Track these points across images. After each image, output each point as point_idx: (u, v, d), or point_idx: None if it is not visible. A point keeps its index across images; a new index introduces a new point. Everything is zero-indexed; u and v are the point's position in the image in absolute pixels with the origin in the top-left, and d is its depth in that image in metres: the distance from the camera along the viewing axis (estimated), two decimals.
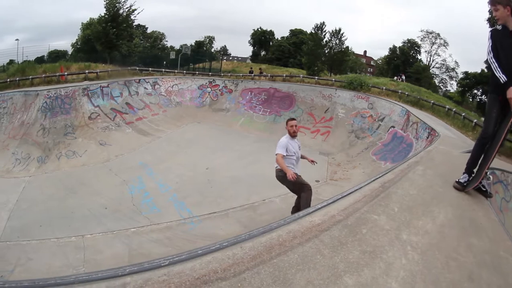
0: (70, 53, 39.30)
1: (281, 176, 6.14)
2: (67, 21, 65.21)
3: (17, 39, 34.47)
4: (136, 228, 7.81)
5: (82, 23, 40.97)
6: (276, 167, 6.27)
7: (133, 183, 10.99)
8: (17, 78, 19.86)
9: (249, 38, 61.81)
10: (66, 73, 20.15)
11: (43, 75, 20.08)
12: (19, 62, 30.18)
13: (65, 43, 67.52)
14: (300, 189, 6.26)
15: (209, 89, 21.96)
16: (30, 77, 19.77)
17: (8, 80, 19.83)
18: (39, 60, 33.72)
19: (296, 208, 6.53)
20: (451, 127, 13.86)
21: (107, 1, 29.38)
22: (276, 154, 6.10)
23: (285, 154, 6.10)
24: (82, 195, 10.29)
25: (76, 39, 41.69)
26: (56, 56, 36.27)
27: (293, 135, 6.38)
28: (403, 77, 34.96)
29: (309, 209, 3.11)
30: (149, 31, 52.72)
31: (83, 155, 13.21)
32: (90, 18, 37.76)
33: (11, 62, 30.48)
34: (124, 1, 29.61)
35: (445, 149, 7.27)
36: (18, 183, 11.11)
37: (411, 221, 3.08)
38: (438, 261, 2.53)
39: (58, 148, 12.99)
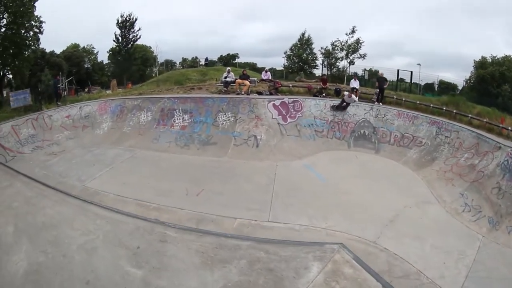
0: (460, 88, 37.73)
1: None
2: (454, 54, 62.60)
3: (419, 64, 34.46)
4: None
5: (474, 60, 39.42)
6: None
7: None
8: (454, 111, 18.55)
9: None
10: (510, 128, 16.66)
11: (485, 120, 17.63)
12: (409, 84, 30.95)
13: (452, 76, 68.83)
14: None
15: None
16: (469, 115, 17.98)
17: (444, 108, 18.94)
18: (428, 87, 34.40)
19: None
20: None
21: None
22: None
23: None
24: None
25: (470, 76, 39.98)
26: (446, 87, 35.61)
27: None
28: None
29: None
30: None
31: None
32: (482, 57, 37.58)
33: (402, 80, 31.35)
34: None
35: None
36: (471, 237, 9.71)
37: None
38: None
39: (509, 219, 10.33)
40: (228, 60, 47.32)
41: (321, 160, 14.58)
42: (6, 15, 27.77)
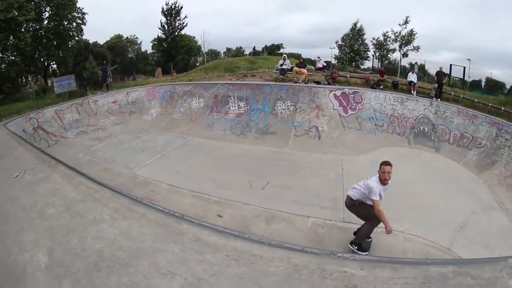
0: (508, 87, 33.66)
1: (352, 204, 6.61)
2: (502, 50, 60.16)
3: (468, 59, 31.86)
4: None
5: None
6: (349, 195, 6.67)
7: None
8: None
9: None
10: None
11: None
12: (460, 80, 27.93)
13: (500, 74, 66.65)
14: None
15: None
16: None
17: (503, 109, 16.83)
18: (475, 84, 31.27)
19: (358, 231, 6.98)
20: None
21: None
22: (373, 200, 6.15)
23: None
24: None
25: None
26: (493, 85, 32.79)
27: (384, 182, 6.22)
28: None
29: None
30: None
31: None
32: None
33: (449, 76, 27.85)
34: None
35: None
36: None
37: None
38: None
39: None
40: (272, 50, 46.57)
41: (385, 156, 12.93)
42: (48, 8, 28.11)
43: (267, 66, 22.21)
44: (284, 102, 14.99)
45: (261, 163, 11.51)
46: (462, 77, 27.89)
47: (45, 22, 28.47)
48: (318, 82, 17.76)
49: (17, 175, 6.88)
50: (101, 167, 10.80)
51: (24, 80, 35.26)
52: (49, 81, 29.37)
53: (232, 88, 15.92)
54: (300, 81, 17.25)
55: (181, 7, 36.74)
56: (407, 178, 11.31)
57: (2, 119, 16.56)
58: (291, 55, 39.15)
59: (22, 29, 24.55)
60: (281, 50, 46.71)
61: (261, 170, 10.83)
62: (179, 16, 36.91)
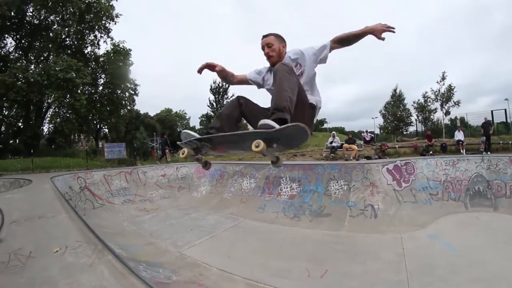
0: None
1: None
2: None
3: (506, 99, 31.46)
4: None
5: None
6: None
7: None
8: None
9: None
10: None
11: None
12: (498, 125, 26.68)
13: None
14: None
15: None
16: None
17: None
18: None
19: None
20: None
21: None
22: None
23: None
24: None
25: None
26: None
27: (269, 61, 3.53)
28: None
29: None
30: None
31: None
32: None
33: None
34: None
35: None
36: None
37: None
38: None
39: None
40: (316, 126, 47.21)
41: (444, 227, 12.44)
42: (104, 75, 31.09)
43: (315, 143, 22.18)
44: (337, 182, 14.48)
45: (318, 248, 10.65)
46: (504, 120, 27.39)
47: (100, 88, 31.05)
48: (368, 157, 17.64)
49: (56, 251, 5.78)
50: (146, 241, 10.42)
51: (77, 138, 37.07)
52: (100, 143, 30.70)
53: (284, 169, 15.67)
54: (351, 157, 17.06)
55: (228, 86, 38.41)
56: (470, 247, 10.26)
57: (50, 170, 17.07)
58: (334, 129, 39.23)
59: (79, 91, 26.70)
60: (325, 125, 46.94)
61: (318, 256, 9.94)
62: (226, 94, 38.27)
